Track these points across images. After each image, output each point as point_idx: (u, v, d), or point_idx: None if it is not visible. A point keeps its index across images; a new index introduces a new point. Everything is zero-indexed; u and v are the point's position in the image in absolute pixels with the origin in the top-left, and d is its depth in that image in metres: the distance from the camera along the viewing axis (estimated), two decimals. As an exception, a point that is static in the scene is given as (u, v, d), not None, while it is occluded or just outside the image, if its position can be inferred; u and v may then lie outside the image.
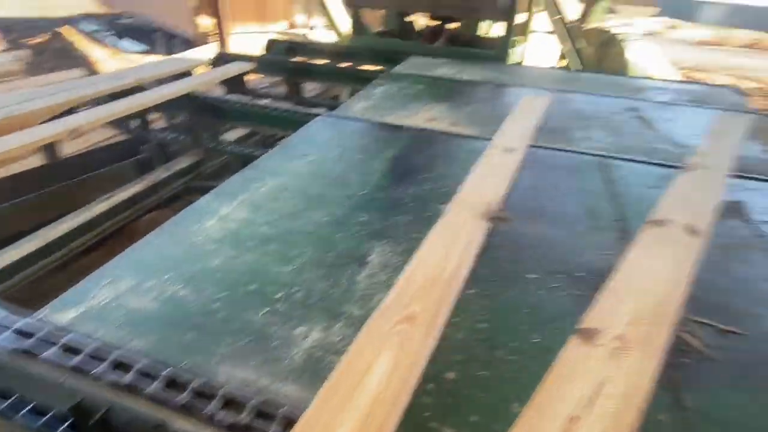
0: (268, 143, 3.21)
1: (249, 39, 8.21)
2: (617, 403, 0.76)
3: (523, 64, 4.78)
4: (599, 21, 6.46)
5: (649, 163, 1.73)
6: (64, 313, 0.96)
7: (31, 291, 2.15)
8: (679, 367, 0.87)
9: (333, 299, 1.02)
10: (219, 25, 7.22)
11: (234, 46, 7.44)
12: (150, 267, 1.12)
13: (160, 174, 2.26)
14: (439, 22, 5.81)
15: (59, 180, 2.70)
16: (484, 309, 1.00)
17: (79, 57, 6.12)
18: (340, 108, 2.32)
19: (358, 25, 5.21)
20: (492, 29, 6.78)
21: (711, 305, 1.03)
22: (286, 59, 3.44)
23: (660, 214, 1.33)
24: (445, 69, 3.38)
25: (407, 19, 5.79)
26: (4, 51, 9.84)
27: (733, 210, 1.44)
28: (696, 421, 0.78)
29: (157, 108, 2.61)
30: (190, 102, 2.43)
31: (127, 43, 12.26)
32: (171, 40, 9.56)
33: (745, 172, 1.67)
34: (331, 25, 7.88)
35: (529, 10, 4.93)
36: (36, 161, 2.81)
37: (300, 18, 10.28)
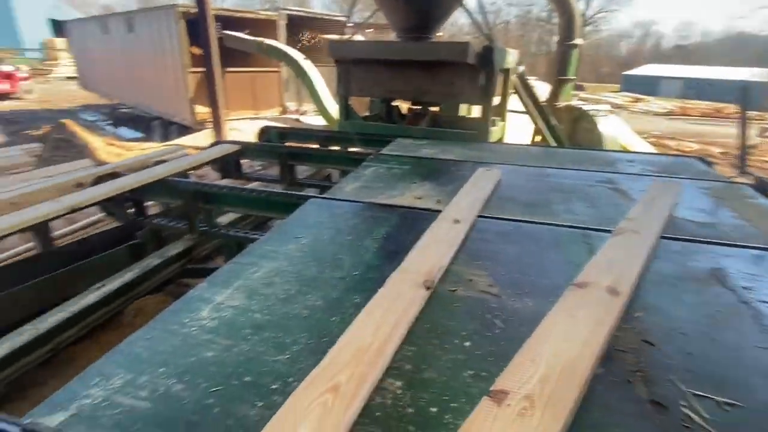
0: (262, 225, 3.28)
1: (244, 124, 8.70)
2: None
3: (503, 141, 5.10)
4: (568, 100, 7.01)
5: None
6: (53, 416, 0.93)
7: (9, 386, 2.06)
8: (683, 446, 0.85)
9: (329, 388, 1.00)
10: (214, 112, 7.68)
11: (230, 132, 7.86)
12: (143, 362, 1.10)
13: (152, 261, 2.28)
14: (420, 107, 6.28)
15: (55, 268, 2.71)
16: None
17: (80, 146, 6.39)
18: (331, 190, 2.42)
19: (347, 111, 5.61)
20: (472, 110, 7.32)
21: (706, 377, 1.04)
22: (280, 144, 3.63)
23: (583, 277, 1.38)
24: (428, 149, 3.60)
25: (393, 103, 6.25)
26: (11, 144, 10.22)
27: (715, 277, 1.49)
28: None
29: (151, 192, 2.70)
30: (185, 188, 2.52)
31: (124, 130, 12.85)
32: (168, 127, 10.05)
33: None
34: (321, 111, 8.46)
35: (503, 93, 5.35)
36: (30, 253, 2.83)
37: (291, 105, 10.98)
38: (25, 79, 18.30)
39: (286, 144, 3.66)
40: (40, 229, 2.67)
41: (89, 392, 1.00)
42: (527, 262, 1.61)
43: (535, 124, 6.24)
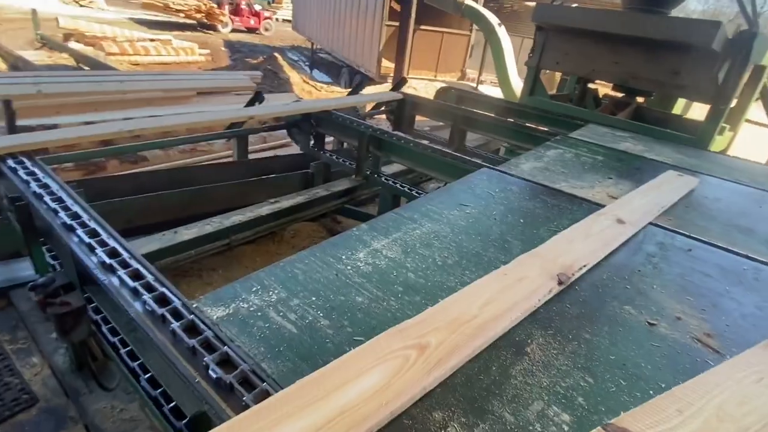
0: (417, 185, 3.21)
1: (421, 84, 8.76)
2: None
3: (728, 154, 4.05)
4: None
5: None
6: (214, 308, 0.97)
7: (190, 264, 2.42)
8: None
9: (480, 386, 0.84)
10: (398, 66, 7.86)
11: (406, 90, 7.98)
12: (298, 284, 1.09)
13: (319, 191, 2.40)
14: (623, 94, 5.36)
15: (243, 176, 3.10)
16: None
17: (284, 78, 7.26)
18: (507, 164, 2.18)
19: (534, 85, 5.08)
20: (691, 110, 6.00)
21: None
22: (457, 106, 3.45)
23: None
24: (630, 143, 3.02)
25: (590, 85, 5.47)
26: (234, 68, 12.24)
27: None
28: None
29: (330, 127, 2.82)
30: (362, 130, 2.54)
31: (317, 73, 14.19)
32: (354, 76, 10.72)
33: None
34: (503, 83, 7.94)
35: (746, 95, 4.19)
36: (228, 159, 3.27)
37: (470, 72, 10.63)
38: (268, 18, 21.24)
39: (463, 107, 3.45)
40: (241, 140, 3.06)
41: (248, 297, 1.03)
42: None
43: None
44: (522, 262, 1.24)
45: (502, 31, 7.78)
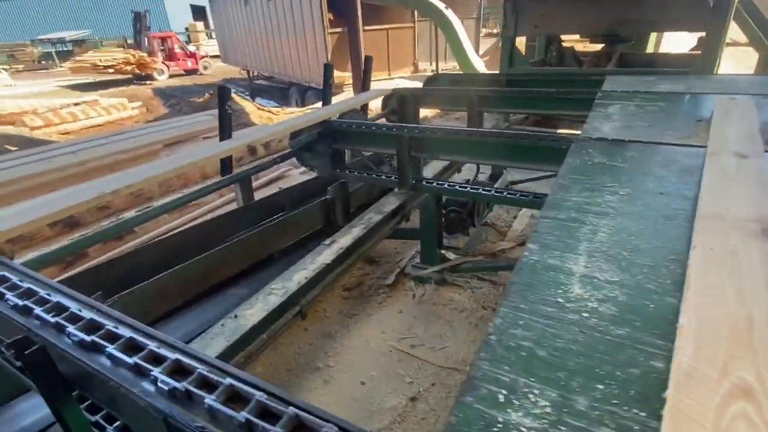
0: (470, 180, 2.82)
1: (381, 85, 8.41)
2: None
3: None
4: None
5: None
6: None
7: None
8: None
9: None
10: (355, 72, 7.47)
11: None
12: (542, 364, 0.68)
13: (372, 216, 1.96)
14: (601, 46, 5.22)
15: (255, 222, 2.61)
16: None
17: (238, 110, 6.72)
18: (588, 130, 1.84)
19: (511, 56, 4.84)
20: (660, 46, 5.97)
21: None
22: (470, 88, 3.10)
23: None
24: (663, 85, 2.77)
25: (565, 45, 5.30)
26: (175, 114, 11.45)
27: None
28: None
29: (355, 140, 2.41)
30: (399, 133, 2.14)
31: (260, 101, 13.61)
32: (305, 94, 10.23)
33: None
34: (464, 65, 7.72)
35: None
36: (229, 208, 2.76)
37: (422, 64, 10.40)
38: (205, 57, 20.29)
39: (477, 88, 3.10)
40: (244, 183, 2.58)
41: (507, 418, 0.59)
42: None
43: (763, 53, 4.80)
44: (708, 229, 0.98)
45: (450, 14, 7.58)
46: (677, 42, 6.48)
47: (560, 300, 0.83)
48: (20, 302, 0.92)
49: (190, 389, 0.71)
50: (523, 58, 4.86)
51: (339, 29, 8.77)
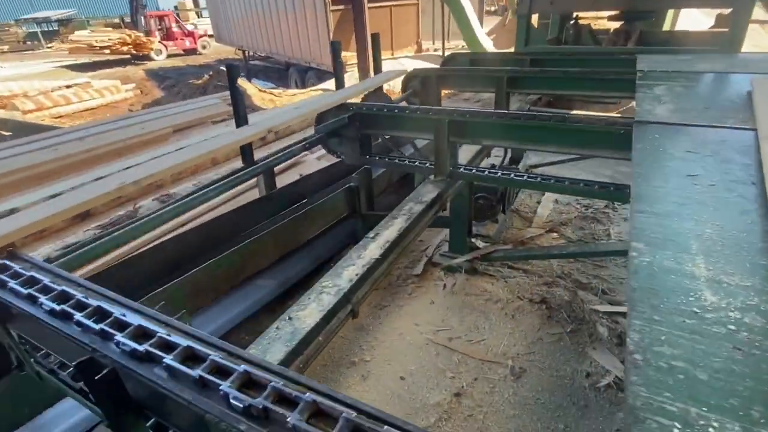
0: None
1: (386, 65, 8.19)
2: None
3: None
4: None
5: None
6: None
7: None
8: None
9: None
10: (360, 52, 7.24)
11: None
12: (718, 394, 0.59)
13: (413, 206, 1.85)
14: (620, 23, 5.06)
15: (278, 211, 2.52)
16: None
17: (241, 92, 6.49)
18: (645, 114, 1.74)
19: (527, 34, 4.68)
20: (675, 25, 5.82)
21: None
22: (498, 68, 2.96)
23: None
24: (700, 65, 2.67)
25: (581, 22, 5.13)
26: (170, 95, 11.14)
27: None
28: None
29: (388, 124, 2.29)
30: (437, 116, 2.02)
31: (257, 82, 13.27)
32: (305, 74, 9.95)
33: None
34: (471, 42, 7.51)
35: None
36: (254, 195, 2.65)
37: (425, 44, 10.13)
38: (203, 36, 19.59)
39: (507, 68, 2.96)
40: (267, 173, 2.46)
41: None
42: None
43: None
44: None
45: (458, -11, 7.34)
46: (692, 20, 6.31)
47: (696, 310, 0.74)
48: (83, 319, 0.82)
49: (268, 406, 0.63)
50: (540, 37, 4.70)
51: (341, 6, 8.46)
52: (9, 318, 1.01)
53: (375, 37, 4.01)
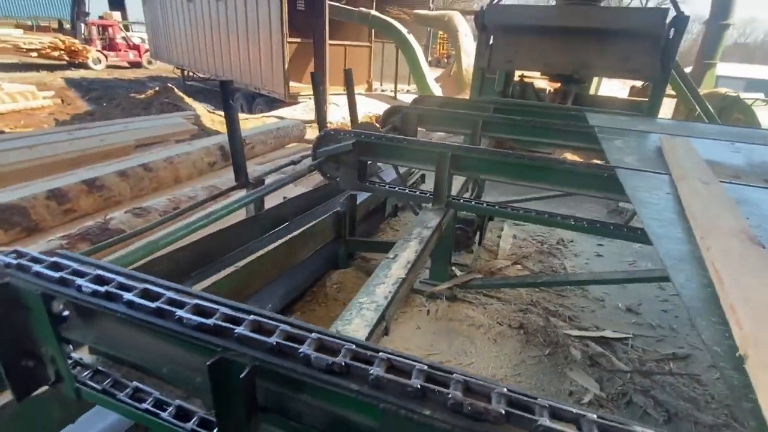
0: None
1: (341, 99, 8.39)
2: None
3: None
4: (711, 86, 6.34)
5: None
6: None
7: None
8: None
9: None
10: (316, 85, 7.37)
11: (329, 107, 7.58)
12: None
13: (421, 232, 1.95)
14: (558, 84, 5.77)
15: (262, 233, 2.48)
16: None
17: (189, 109, 6.21)
18: (618, 162, 2.04)
19: (482, 86, 5.21)
20: (599, 89, 6.74)
21: None
22: (474, 113, 3.24)
23: None
24: (642, 125, 3.17)
25: (527, 80, 5.77)
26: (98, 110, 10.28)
27: None
28: None
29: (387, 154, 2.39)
30: (439, 152, 2.18)
31: (195, 103, 12.80)
32: (254, 100, 9.83)
33: None
34: (422, 87, 8.03)
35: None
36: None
37: (375, 84, 10.60)
38: (148, 51, 18.53)
39: (482, 113, 3.25)
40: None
41: None
42: None
43: (681, 107, 5.65)
44: (713, 235, 1.14)
45: (412, 38, 7.88)
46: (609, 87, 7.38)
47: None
48: (186, 314, 0.79)
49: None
50: (492, 89, 5.21)
51: (298, 39, 8.63)
52: (64, 325, 0.92)
53: (348, 73, 4.18)
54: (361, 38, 10.07)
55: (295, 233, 2.35)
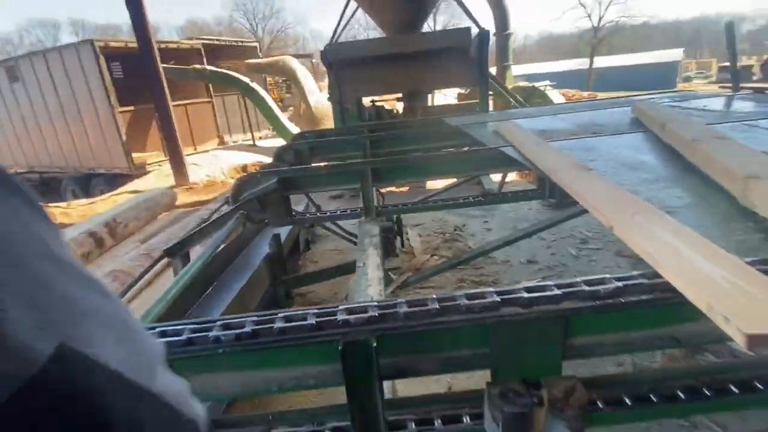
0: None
1: (200, 158, 7.95)
2: None
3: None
4: (511, 83, 7.95)
5: None
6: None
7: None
8: None
9: None
10: (171, 149, 6.92)
11: (191, 168, 7.13)
12: None
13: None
14: (402, 105, 6.55)
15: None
16: None
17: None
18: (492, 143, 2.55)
19: (343, 116, 5.68)
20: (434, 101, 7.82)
21: None
22: (360, 134, 3.56)
23: None
24: (483, 118, 3.89)
25: (379, 104, 6.41)
26: None
27: None
28: None
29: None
30: (359, 169, 2.42)
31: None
32: (91, 180, 8.64)
33: None
34: (279, 129, 8.18)
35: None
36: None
37: (226, 137, 10.32)
38: None
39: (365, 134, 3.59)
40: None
41: None
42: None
43: (498, 101, 6.96)
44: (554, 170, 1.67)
45: (255, 85, 7.98)
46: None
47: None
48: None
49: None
50: (354, 117, 5.70)
51: (131, 107, 7.98)
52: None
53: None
54: (199, 95, 9.77)
55: (235, 294, 2.30)
